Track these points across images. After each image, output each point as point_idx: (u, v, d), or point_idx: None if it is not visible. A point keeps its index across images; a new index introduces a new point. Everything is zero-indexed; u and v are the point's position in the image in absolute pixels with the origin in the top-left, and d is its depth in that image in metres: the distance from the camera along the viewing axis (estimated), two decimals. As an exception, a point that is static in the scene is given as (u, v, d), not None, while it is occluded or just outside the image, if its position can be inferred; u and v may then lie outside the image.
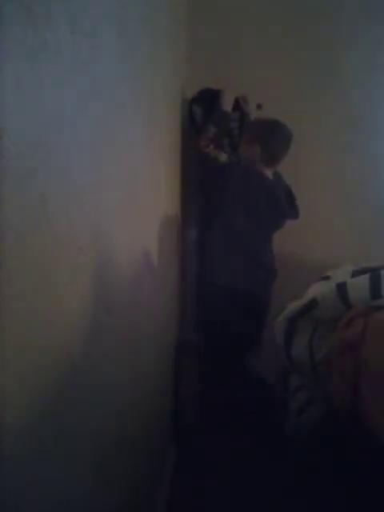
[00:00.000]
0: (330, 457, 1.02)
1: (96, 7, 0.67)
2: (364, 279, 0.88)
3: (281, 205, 1.82)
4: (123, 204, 0.87)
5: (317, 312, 0.91)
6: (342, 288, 0.89)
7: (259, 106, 1.95)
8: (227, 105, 1.92)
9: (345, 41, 2.16)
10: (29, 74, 0.45)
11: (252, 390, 1.82)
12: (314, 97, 1.99)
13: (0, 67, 0.40)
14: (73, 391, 0.61)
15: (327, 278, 1.04)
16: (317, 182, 2.20)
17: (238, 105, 1.94)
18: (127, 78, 0.90)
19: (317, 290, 0.97)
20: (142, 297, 1.09)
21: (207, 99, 1.94)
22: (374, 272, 0.88)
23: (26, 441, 0.47)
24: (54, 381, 0.55)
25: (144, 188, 1.10)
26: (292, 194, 1.91)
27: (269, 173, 1.84)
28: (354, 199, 2.22)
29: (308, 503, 1.16)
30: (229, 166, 1.86)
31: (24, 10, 0.44)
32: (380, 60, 2.16)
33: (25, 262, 0.46)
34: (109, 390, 0.79)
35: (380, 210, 2.21)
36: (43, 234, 0.50)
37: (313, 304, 0.92)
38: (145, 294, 1.13)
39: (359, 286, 0.87)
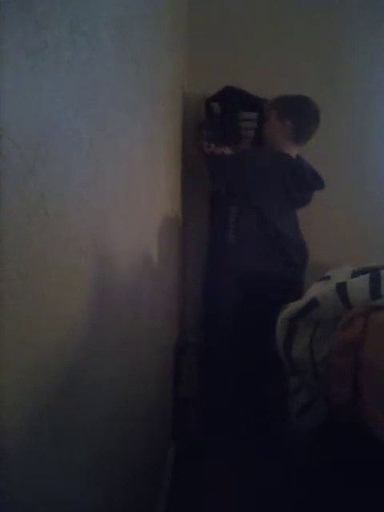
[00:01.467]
0: (330, 457, 1.02)
1: (96, 7, 0.67)
2: (364, 279, 0.88)
3: (306, 178, 1.80)
4: (123, 204, 0.87)
5: (317, 312, 0.92)
6: (342, 288, 0.89)
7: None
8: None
9: (346, 41, 2.16)
10: (29, 73, 0.45)
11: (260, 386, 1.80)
12: (314, 97, 1.99)
13: (0, 67, 0.40)
14: (73, 391, 0.61)
15: (327, 278, 1.04)
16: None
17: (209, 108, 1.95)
18: (127, 78, 0.90)
19: (317, 290, 0.97)
20: (142, 297, 1.09)
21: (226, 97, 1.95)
22: (373, 272, 0.88)
23: (25, 441, 0.47)
24: (54, 381, 0.55)
25: (144, 188, 1.10)
26: (314, 169, 1.88)
27: (293, 152, 1.82)
28: (354, 199, 2.22)
29: (308, 503, 1.16)
30: (242, 154, 1.82)
31: (24, 9, 0.44)
32: (381, 60, 2.16)
33: (25, 261, 0.46)
34: (109, 389, 0.79)
35: (380, 210, 2.21)
36: (43, 234, 0.50)
37: (313, 304, 0.92)
38: (145, 294, 1.13)
39: (359, 286, 0.87)
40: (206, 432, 1.80)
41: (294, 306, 0.97)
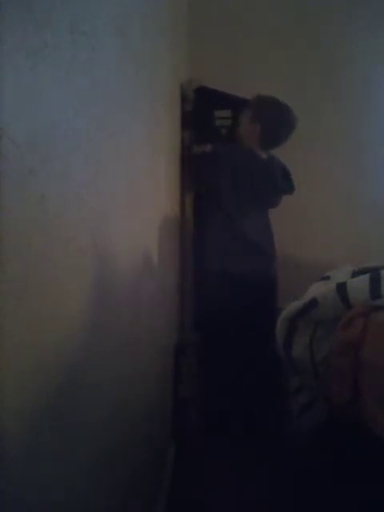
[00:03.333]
0: (330, 457, 1.02)
1: (96, 7, 0.67)
2: (364, 279, 0.88)
3: (275, 180, 1.81)
4: (123, 204, 0.87)
5: (317, 312, 0.92)
6: (342, 288, 0.89)
7: (188, 84, 1.94)
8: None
9: (346, 41, 2.16)
10: (29, 74, 0.45)
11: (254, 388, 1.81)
12: (314, 96, 1.99)
13: (0, 67, 0.40)
14: (73, 391, 0.61)
15: (327, 278, 1.04)
16: (317, 181, 2.20)
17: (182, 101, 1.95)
18: (127, 78, 0.90)
19: (317, 290, 0.97)
20: (142, 297, 1.09)
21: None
22: (373, 272, 0.88)
23: (25, 441, 0.47)
24: (54, 381, 0.55)
25: (144, 188, 1.10)
26: (287, 171, 1.89)
27: (263, 154, 1.83)
28: (354, 199, 2.22)
29: (308, 503, 1.16)
30: (216, 152, 1.83)
31: (24, 9, 0.44)
32: (381, 60, 2.16)
33: (25, 262, 0.46)
34: (109, 389, 0.79)
35: (380, 211, 2.21)
36: (43, 234, 0.50)
37: (313, 304, 0.92)
38: (145, 294, 1.13)
39: (359, 286, 0.87)
40: (205, 432, 1.80)
41: (294, 306, 0.97)
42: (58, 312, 0.55)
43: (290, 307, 0.98)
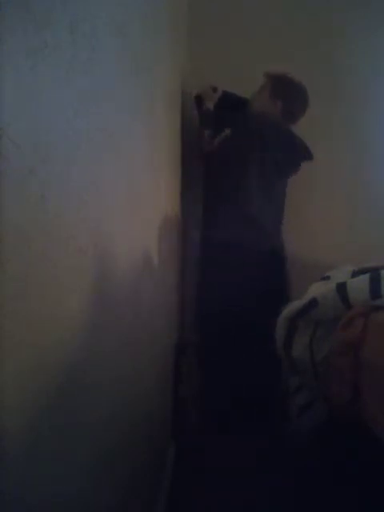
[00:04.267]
0: (330, 457, 1.02)
1: (96, 7, 0.67)
2: (364, 279, 0.88)
3: (297, 148, 1.86)
4: (123, 204, 0.87)
5: (317, 312, 0.92)
6: (342, 288, 0.89)
7: (215, 90, 1.96)
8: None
9: (346, 41, 2.16)
10: (29, 74, 0.45)
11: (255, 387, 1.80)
12: (314, 96, 1.99)
13: (0, 67, 0.40)
14: (73, 391, 0.61)
15: (327, 278, 1.04)
16: (316, 182, 2.20)
17: (200, 103, 1.97)
18: (127, 78, 0.90)
19: (317, 290, 0.97)
20: (142, 297, 1.09)
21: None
22: (373, 272, 0.89)
23: (25, 441, 0.47)
24: (54, 381, 0.55)
25: (144, 188, 1.10)
26: (302, 140, 1.93)
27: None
28: (354, 199, 2.22)
29: (308, 503, 1.16)
30: (245, 124, 1.87)
31: (24, 9, 0.44)
32: (382, 60, 2.16)
33: (25, 262, 0.46)
34: (109, 389, 0.79)
35: (380, 211, 2.21)
36: (43, 234, 0.50)
37: (313, 304, 0.92)
38: (145, 294, 1.13)
39: (359, 286, 0.87)
40: (205, 432, 1.80)
41: (294, 306, 0.97)
42: (57, 312, 0.55)
43: (290, 307, 0.98)
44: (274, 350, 1.04)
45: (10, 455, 0.43)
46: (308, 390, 1.04)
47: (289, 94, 1.88)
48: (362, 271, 0.95)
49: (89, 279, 0.67)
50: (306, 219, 2.01)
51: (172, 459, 1.68)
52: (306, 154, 1.93)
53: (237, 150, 1.83)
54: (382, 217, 2.21)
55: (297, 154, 1.90)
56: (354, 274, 0.97)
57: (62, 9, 0.54)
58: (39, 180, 0.48)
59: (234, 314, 1.78)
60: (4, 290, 0.41)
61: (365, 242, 2.15)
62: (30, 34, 0.45)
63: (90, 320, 0.68)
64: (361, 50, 2.16)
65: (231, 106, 1.98)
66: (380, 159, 2.22)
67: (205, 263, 1.95)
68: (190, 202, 2.15)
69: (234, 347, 1.81)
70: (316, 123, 2.16)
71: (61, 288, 0.56)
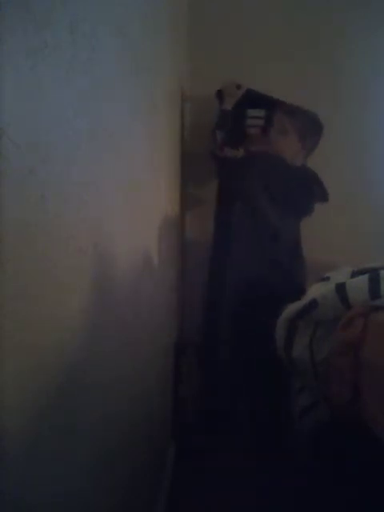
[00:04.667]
0: (330, 457, 1.02)
1: (96, 7, 0.67)
2: (363, 279, 0.88)
3: (310, 187, 1.78)
4: (123, 204, 0.87)
5: (317, 313, 0.91)
6: (341, 288, 0.89)
7: (238, 87, 1.90)
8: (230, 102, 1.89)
9: (346, 41, 2.16)
10: (29, 74, 0.45)
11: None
12: (314, 96, 1.99)
13: (0, 67, 0.40)
14: (73, 391, 0.61)
15: (327, 278, 1.04)
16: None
17: (221, 99, 1.91)
18: (127, 78, 0.90)
19: (316, 290, 0.97)
20: (142, 297, 1.09)
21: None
22: (373, 272, 0.88)
23: (25, 441, 0.47)
24: (54, 381, 0.55)
25: (144, 188, 1.10)
26: (319, 178, 1.86)
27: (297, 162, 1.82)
28: (354, 200, 2.22)
29: (308, 503, 1.16)
30: (250, 158, 1.81)
31: (24, 9, 0.44)
32: (382, 60, 2.16)
33: (25, 261, 0.46)
34: (109, 390, 0.79)
35: (380, 211, 2.21)
36: (43, 234, 0.50)
37: (313, 305, 0.92)
38: (145, 294, 1.13)
39: (358, 286, 0.87)
40: (205, 432, 1.80)
41: (294, 307, 0.97)
42: (57, 312, 0.55)
43: (290, 308, 0.98)
44: (272, 352, 1.03)
45: (9, 455, 0.43)
46: (309, 390, 1.04)
47: (317, 129, 1.80)
48: (362, 272, 0.95)
49: (89, 279, 0.67)
50: (306, 219, 2.01)
51: (172, 459, 1.68)
52: (322, 196, 1.84)
53: (245, 180, 1.74)
54: (382, 217, 2.21)
55: (310, 194, 1.80)
56: (354, 275, 0.97)
57: (62, 9, 0.54)
58: (39, 180, 0.48)
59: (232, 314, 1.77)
60: (4, 290, 0.41)
61: (365, 243, 2.15)
62: (30, 34, 0.45)
63: (90, 320, 0.68)
64: (361, 50, 2.16)
65: (256, 105, 1.92)
66: (380, 159, 2.22)
67: (211, 263, 1.92)
68: (190, 202, 2.16)
69: (232, 347, 1.80)
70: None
71: (61, 288, 0.56)
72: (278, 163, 1.75)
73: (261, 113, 1.94)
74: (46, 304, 0.51)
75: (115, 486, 0.85)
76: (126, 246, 0.91)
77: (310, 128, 1.80)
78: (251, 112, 1.94)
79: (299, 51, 2.15)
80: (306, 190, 1.77)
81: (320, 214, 2.14)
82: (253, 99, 1.91)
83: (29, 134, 0.46)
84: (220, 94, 1.92)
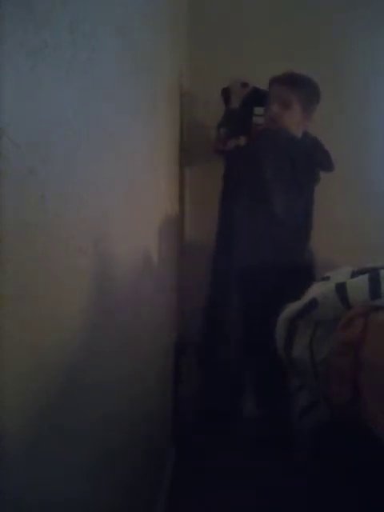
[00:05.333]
0: (330, 457, 1.02)
1: (96, 7, 0.67)
2: (363, 279, 0.88)
3: (314, 158, 1.75)
4: (123, 204, 0.87)
5: (317, 312, 0.92)
6: (341, 288, 0.89)
7: (244, 85, 1.88)
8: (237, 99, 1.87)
9: (346, 41, 2.16)
10: (29, 73, 0.45)
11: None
12: (314, 97, 1.99)
13: (0, 67, 0.40)
14: (73, 391, 0.61)
15: (327, 278, 1.04)
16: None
17: (227, 97, 1.89)
18: (127, 78, 0.90)
19: (317, 290, 0.97)
20: (142, 297, 1.09)
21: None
22: (373, 272, 0.89)
23: (25, 441, 0.47)
24: (54, 381, 0.55)
25: (144, 188, 1.10)
26: (321, 145, 1.83)
27: (298, 133, 1.78)
28: (354, 199, 2.22)
29: (308, 503, 1.16)
30: (255, 144, 1.76)
31: (24, 9, 0.44)
32: (382, 60, 2.16)
33: (25, 262, 0.46)
34: (109, 390, 0.79)
35: (380, 211, 2.21)
36: (43, 234, 0.50)
37: (313, 304, 0.92)
38: (145, 294, 1.13)
39: (359, 286, 0.87)
40: (206, 432, 1.80)
41: (294, 307, 0.97)
42: (57, 312, 0.55)
43: (290, 307, 0.98)
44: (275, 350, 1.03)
45: (9, 455, 0.43)
46: (309, 390, 1.04)
47: (317, 95, 1.76)
48: (362, 271, 0.95)
49: (89, 279, 0.67)
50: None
51: (172, 459, 1.68)
52: (327, 165, 1.81)
53: (250, 162, 1.72)
54: (383, 217, 2.21)
55: (314, 165, 1.78)
56: (354, 275, 0.97)
57: (62, 8, 0.54)
58: (39, 180, 0.48)
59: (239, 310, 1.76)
60: (4, 289, 0.41)
61: (365, 243, 2.15)
62: (30, 34, 0.45)
63: (90, 320, 0.68)
64: (361, 50, 2.16)
65: (262, 102, 1.87)
66: (380, 159, 2.22)
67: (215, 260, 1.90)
68: (190, 201, 2.16)
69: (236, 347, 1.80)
70: (316, 123, 2.15)
71: (61, 288, 0.56)
72: (280, 137, 1.71)
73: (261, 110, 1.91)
74: (46, 304, 0.51)
75: (115, 486, 0.85)
76: (125, 245, 0.91)
77: (313, 96, 1.77)
78: (258, 110, 1.91)
79: (299, 51, 2.15)
80: (310, 159, 1.73)
81: (320, 213, 2.14)
82: (259, 97, 1.88)
83: (29, 134, 0.46)
84: (226, 93, 1.90)
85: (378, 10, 2.13)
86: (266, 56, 2.14)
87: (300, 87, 1.76)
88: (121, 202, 0.85)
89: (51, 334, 0.53)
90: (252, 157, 1.69)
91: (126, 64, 0.88)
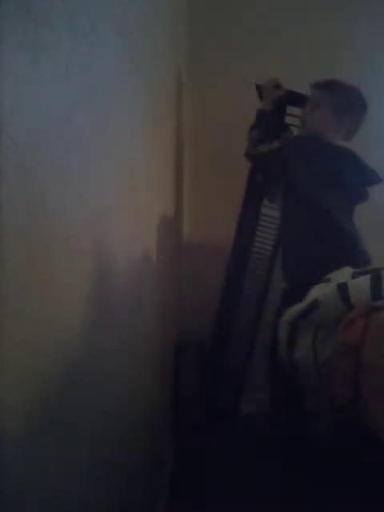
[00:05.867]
0: (330, 457, 1.02)
1: (95, 6, 0.67)
2: (365, 280, 0.88)
3: (362, 169, 1.63)
4: (123, 204, 0.87)
5: (319, 313, 0.92)
6: (343, 288, 0.89)
7: (277, 87, 1.77)
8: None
9: (346, 41, 2.16)
10: (28, 72, 0.45)
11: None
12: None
13: (0, 66, 0.40)
14: (73, 391, 0.61)
15: (328, 280, 1.04)
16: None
17: (261, 93, 1.80)
18: (127, 77, 0.90)
19: (318, 291, 0.97)
20: (141, 296, 1.09)
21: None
22: (374, 273, 0.89)
23: (25, 441, 0.47)
24: (54, 380, 0.54)
25: (144, 188, 1.10)
26: (362, 159, 1.69)
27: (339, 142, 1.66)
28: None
29: (309, 503, 1.16)
30: (288, 145, 1.65)
31: (23, 8, 0.44)
32: (382, 60, 2.16)
33: (25, 261, 0.45)
34: (108, 389, 0.79)
35: (381, 211, 2.21)
36: (43, 233, 0.50)
37: (315, 305, 0.92)
38: (145, 294, 1.13)
39: (360, 286, 0.87)
40: (205, 432, 1.79)
41: (296, 308, 0.97)
42: (57, 312, 0.55)
43: (293, 309, 0.98)
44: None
45: (10, 455, 0.43)
46: (310, 391, 1.04)
47: (355, 105, 1.65)
48: (363, 272, 0.95)
49: (89, 279, 0.67)
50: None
51: (172, 459, 1.68)
52: (374, 178, 1.69)
53: (280, 165, 1.61)
54: (383, 217, 2.21)
55: (364, 179, 1.66)
56: (355, 276, 0.97)
57: (62, 7, 0.54)
58: (39, 180, 0.48)
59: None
60: (4, 289, 0.41)
61: (366, 242, 2.14)
62: (30, 32, 0.45)
63: (90, 319, 0.68)
64: (361, 50, 2.16)
65: (296, 104, 1.78)
66: (380, 159, 2.22)
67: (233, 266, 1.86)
68: (190, 201, 2.15)
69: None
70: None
71: (61, 288, 0.56)
72: (315, 139, 1.60)
73: (297, 111, 1.80)
74: (46, 304, 0.51)
75: (115, 485, 0.85)
76: (126, 245, 0.91)
77: (347, 104, 1.65)
78: (290, 110, 1.82)
79: (299, 51, 2.15)
80: (356, 170, 1.60)
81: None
82: (293, 99, 1.80)
83: (29, 133, 0.46)
84: (259, 90, 1.81)
85: (378, 9, 2.13)
86: (266, 56, 2.14)
87: (332, 91, 1.66)
88: (121, 201, 0.85)
89: (51, 333, 0.53)
90: (283, 160, 1.59)
91: (126, 64, 0.88)
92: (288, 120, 1.84)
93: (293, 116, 1.83)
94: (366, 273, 0.92)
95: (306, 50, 2.16)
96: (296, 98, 1.81)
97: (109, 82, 0.75)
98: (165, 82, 1.42)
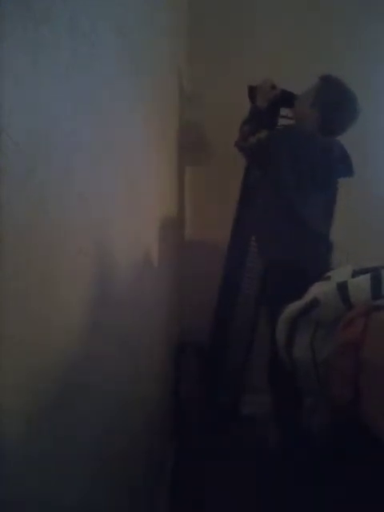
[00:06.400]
0: (330, 458, 1.02)
1: (95, 6, 0.67)
2: (365, 278, 0.88)
3: (333, 163, 1.68)
4: (123, 204, 0.87)
5: (318, 312, 0.91)
6: (342, 287, 0.89)
7: (273, 87, 1.81)
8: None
9: (346, 40, 2.16)
10: (28, 72, 0.45)
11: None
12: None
13: (0, 66, 0.40)
14: (73, 391, 0.61)
15: (327, 278, 1.04)
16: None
17: (253, 95, 1.83)
18: (127, 77, 0.89)
19: (318, 289, 0.97)
20: (142, 297, 1.09)
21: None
22: (374, 272, 0.88)
23: (25, 441, 0.47)
24: (54, 381, 0.54)
25: (144, 188, 1.10)
26: (347, 154, 1.74)
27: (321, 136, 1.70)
28: (354, 199, 2.22)
29: (309, 503, 1.16)
30: (273, 136, 1.69)
31: (23, 8, 0.44)
32: (381, 60, 2.16)
33: (25, 262, 0.45)
34: (109, 389, 0.79)
35: (381, 211, 2.21)
36: (43, 234, 0.50)
37: (314, 304, 0.92)
38: (145, 294, 1.13)
39: (360, 285, 0.87)
40: (205, 432, 1.79)
41: (295, 306, 0.97)
42: (58, 312, 0.55)
43: (292, 307, 0.98)
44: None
45: (10, 456, 0.43)
46: (308, 390, 1.04)
47: (327, 101, 1.68)
48: (363, 271, 0.95)
49: (89, 279, 0.67)
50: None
51: (172, 459, 1.68)
52: (345, 171, 1.75)
53: (267, 155, 1.67)
54: (383, 217, 2.21)
55: (332, 171, 1.71)
56: (355, 274, 0.97)
57: (62, 7, 0.54)
58: (39, 180, 0.48)
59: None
60: (4, 289, 0.41)
61: (366, 242, 2.15)
62: (30, 32, 0.45)
63: (90, 320, 0.68)
64: (361, 50, 2.16)
65: (289, 104, 1.82)
66: (380, 159, 2.22)
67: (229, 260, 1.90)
68: (190, 201, 2.15)
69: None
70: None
71: (61, 288, 0.56)
72: (300, 137, 1.66)
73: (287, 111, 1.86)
74: (46, 304, 0.51)
75: (115, 486, 0.85)
76: (125, 245, 0.91)
77: (329, 98, 1.69)
78: (284, 111, 1.86)
79: (299, 51, 2.15)
80: (327, 165, 1.67)
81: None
82: (287, 99, 1.84)
83: (29, 133, 0.46)
84: (252, 91, 1.84)
85: (378, 9, 2.13)
86: (266, 56, 2.14)
87: (321, 85, 1.73)
88: (121, 201, 0.85)
89: (51, 333, 0.53)
90: (273, 153, 1.65)
91: (126, 64, 0.88)
92: (281, 121, 1.87)
93: (286, 118, 1.86)
94: (366, 271, 0.92)
95: (306, 50, 2.15)
96: (289, 98, 1.84)
97: (109, 82, 0.75)
98: (165, 81, 1.42)
